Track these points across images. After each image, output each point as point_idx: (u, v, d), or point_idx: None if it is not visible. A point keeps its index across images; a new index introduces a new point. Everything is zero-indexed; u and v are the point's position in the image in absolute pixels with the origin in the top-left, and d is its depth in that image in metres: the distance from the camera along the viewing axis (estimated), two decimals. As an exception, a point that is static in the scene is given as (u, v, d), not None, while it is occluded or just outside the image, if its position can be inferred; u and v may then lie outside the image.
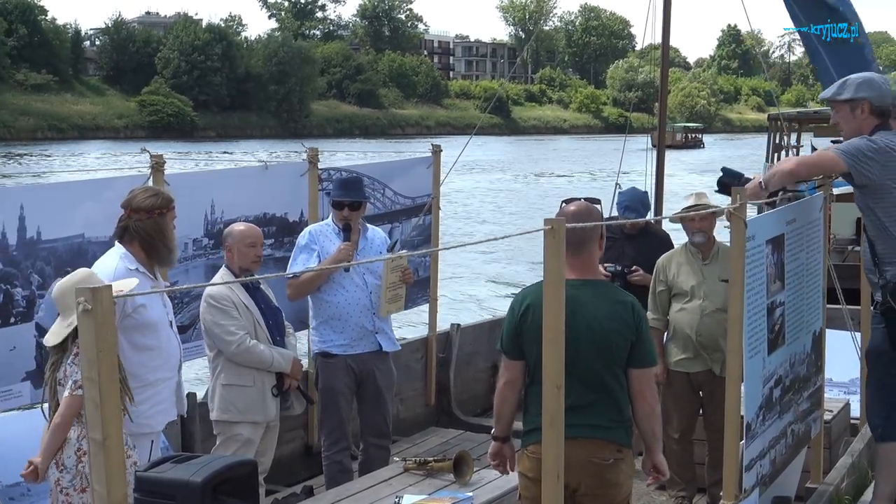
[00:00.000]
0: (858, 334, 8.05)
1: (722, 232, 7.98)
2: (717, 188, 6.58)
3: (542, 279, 4.25)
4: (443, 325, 11.10)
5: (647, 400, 5.15)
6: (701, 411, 8.08)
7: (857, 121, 6.37)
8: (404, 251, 8.89)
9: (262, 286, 7.35)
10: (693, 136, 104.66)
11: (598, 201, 5.56)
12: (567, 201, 5.54)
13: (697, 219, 7.82)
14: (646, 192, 9.34)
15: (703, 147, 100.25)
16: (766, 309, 5.77)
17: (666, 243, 8.92)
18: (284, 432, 8.47)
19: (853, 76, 6.50)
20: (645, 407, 5.15)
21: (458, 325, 11.01)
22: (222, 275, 7.24)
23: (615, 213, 9.44)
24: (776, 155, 21.00)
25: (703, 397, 7.95)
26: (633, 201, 8.92)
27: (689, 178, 57.31)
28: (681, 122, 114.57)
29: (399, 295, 8.16)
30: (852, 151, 6.21)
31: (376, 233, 8.25)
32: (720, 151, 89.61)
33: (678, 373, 8.00)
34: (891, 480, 6.60)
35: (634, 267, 8.73)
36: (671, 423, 8.07)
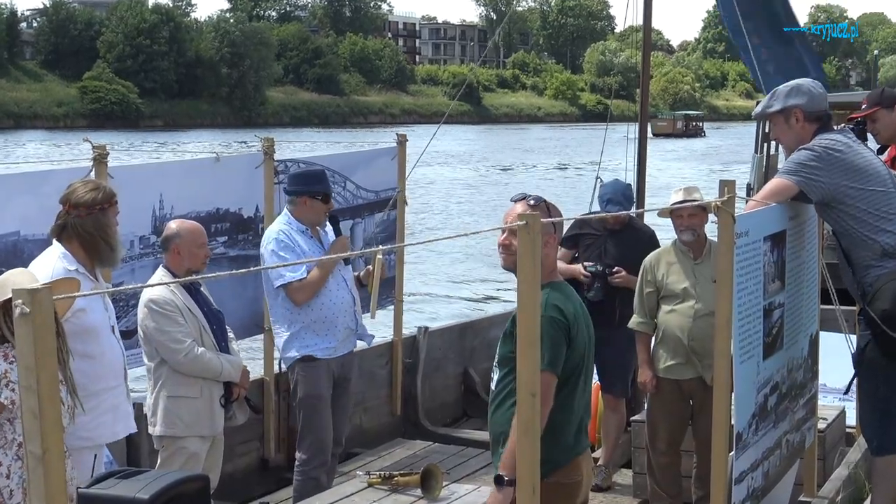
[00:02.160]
0: (853, 337, 8.08)
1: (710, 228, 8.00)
2: None
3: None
4: (409, 328, 11.09)
5: None
6: (691, 421, 8.09)
7: (793, 131, 6.39)
8: (381, 247, 8.90)
9: (202, 288, 7.31)
10: (694, 124, 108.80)
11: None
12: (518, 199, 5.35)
13: (686, 214, 7.79)
14: (629, 185, 9.34)
15: (705, 136, 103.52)
16: (763, 310, 5.77)
17: (651, 240, 8.92)
18: (237, 444, 8.46)
19: (781, 86, 6.53)
20: None
21: (426, 328, 11.00)
22: (161, 277, 7.14)
23: (596, 207, 9.44)
24: (765, 145, 21.07)
25: (694, 406, 7.96)
26: (615, 194, 8.91)
27: (688, 168, 57.58)
28: (681, 111, 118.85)
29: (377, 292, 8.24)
30: (795, 168, 6.21)
31: (329, 228, 8.25)
32: (720, 140, 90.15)
33: (668, 380, 7.99)
34: (888, 495, 6.62)
35: (616, 268, 8.71)
36: (658, 434, 8.08)
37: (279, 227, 7.89)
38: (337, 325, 7.90)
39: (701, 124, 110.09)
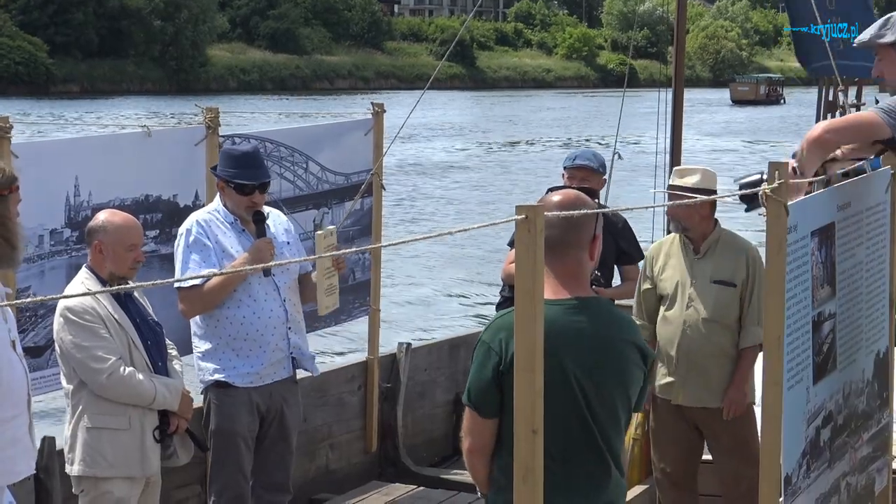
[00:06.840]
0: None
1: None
2: (744, 206, 6.40)
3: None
4: (387, 344, 11.09)
5: None
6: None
7: None
8: (333, 226, 8.79)
9: (135, 294, 7.32)
10: (774, 88, 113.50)
11: (594, 193, 5.48)
12: (553, 189, 5.47)
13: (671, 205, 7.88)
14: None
15: (784, 103, 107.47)
16: (812, 322, 5.78)
17: (625, 230, 8.92)
18: (173, 489, 8.44)
19: (895, 13, 6.43)
20: None
21: (408, 344, 10.98)
22: (84, 280, 7.16)
23: (614, 192, 9.46)
24: (829, 115, 21.16)
25: (706, 438, 8.04)
26: (579, 151, 8.94)
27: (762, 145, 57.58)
28: (763, 74, 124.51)
29: (334, 286, 8.18)
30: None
31: (277, 218, 8.25)
32: (801, 108, 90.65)
33: (665, 400, 8.05)
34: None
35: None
36: (664, 469, 8.14)
37: (200, 217, 7.93)
38: (262, 345, 7.87)
39: (780, 89, 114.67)
